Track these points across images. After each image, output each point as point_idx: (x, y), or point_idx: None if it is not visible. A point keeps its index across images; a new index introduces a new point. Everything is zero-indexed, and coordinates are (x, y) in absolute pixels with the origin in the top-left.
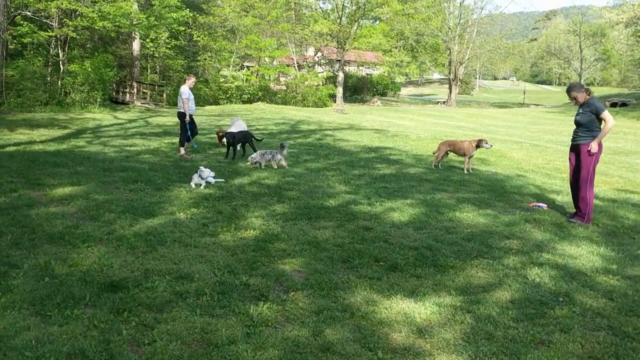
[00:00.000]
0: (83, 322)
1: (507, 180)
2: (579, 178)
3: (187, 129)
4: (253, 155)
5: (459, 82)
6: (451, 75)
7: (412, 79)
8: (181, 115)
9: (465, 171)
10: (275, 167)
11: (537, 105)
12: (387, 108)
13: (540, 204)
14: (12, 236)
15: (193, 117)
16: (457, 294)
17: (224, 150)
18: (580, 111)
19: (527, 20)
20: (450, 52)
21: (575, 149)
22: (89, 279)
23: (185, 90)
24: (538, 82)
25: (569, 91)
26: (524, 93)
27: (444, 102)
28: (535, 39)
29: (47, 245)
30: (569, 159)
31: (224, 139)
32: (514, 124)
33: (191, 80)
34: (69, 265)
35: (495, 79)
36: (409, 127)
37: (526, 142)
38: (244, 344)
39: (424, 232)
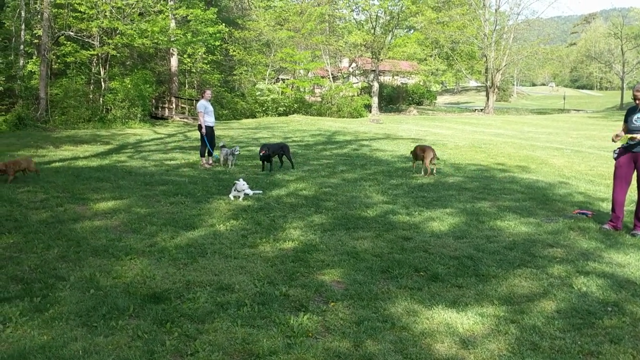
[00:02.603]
0: (127, 332)
1: (549, 187)
2: None
3: (206, 141)
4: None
5: (496, 89)
6: (488, 82)
7: (448, 87)
8: (200, 128)
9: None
10: (230, 165)
11: (578, 110)
12: (424, 117)
13: (585, 212)
14: (59, 249)
15: (213, 128)
16: (500, 304)
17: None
18: None
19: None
20: (486, 59)
21: (635, 156)
22: (132, 291)
23: (200, 104)
24: (578, 87)
25: (637, 90)
26: (564, 98)
27: (481, 110)
28: (575, 43)
29: (91, 257)
30: (620, 165)
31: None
32: (555, 130)
33: (207, 94)
34: (113, 277)
35: (534, 85)
36: (446, 135)
37: (567, 148)
38: (285, 354)
39: (465, 241)
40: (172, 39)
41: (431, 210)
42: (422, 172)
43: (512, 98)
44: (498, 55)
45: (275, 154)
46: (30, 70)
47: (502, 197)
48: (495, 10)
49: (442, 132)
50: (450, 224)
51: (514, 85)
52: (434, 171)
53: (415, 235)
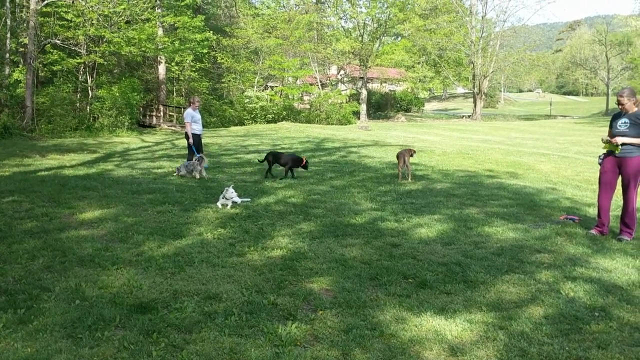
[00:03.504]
0: (113, 344)
1: (537, 193)
2: (627, 192)
3: (194, 149)
4: (179, 167)
5: (483, 96)
6: (475, 89)
7: (435, 94)
8: (187, 136)
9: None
10: (198, 177)
11: (565, 116)
12: (412, 124)
13: (572, 217)
14: (44, 260)
15: (200, 137)
16: (489, 310)
17: (248, 169)
18: (626, 121)
19: (551, 32)
20: (473, 66)
21: (620, 161)
22: (118, 301)
23: (187, 113)
24: (564, 93)
25: (621, 95)
26: (551, 104)
27: (469, 116)
28: (560, 50)
29: (77, 268)
30: (605, 171)
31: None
32: (541, 136)
33: (196, 102)
34: (99, 288)
35: (521, 91)
36: (434, 142)
37: (554, 154)
38: None
39: (453, 247)
40: (159, 47)
41: (419, 216)
42: (408, 178)
43: (500, 104)
44: (485, 62)
45: (286, 164)
46: (16, 79)
47: (490, 203)
48: (482, 18)
49: (430, 139)
50: (439, 231)
51: (501, 91)
52: (406, 175)
53: (403, 242)
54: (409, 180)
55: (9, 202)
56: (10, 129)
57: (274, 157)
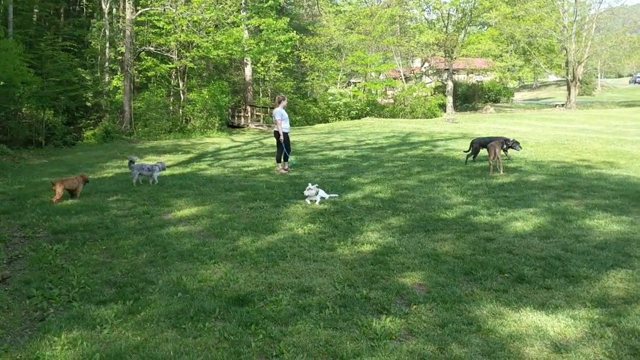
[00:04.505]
0: (214, 334)
1: None
2: None
3: (283, 147)
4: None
5: (578, 83)
6: (569, 76)
7: (526, 83)
8: (276, 135)
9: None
10: (152, 183)
11: None
12: (501, 114)
13: None
14: (147, 254)
15: (288, 135)
16: (594, 306)
17: (334, 166)
18: None
19: None
20: (566, 52)
21: None
22: (217, 294)
23: (277, 111)
24: None
25: None
26: None
27: (562, 105)
28: None
29: (178, 262)
30: None
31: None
32: None
33: (284, 102)
34: (199, 281)
35: (620, 76)
36: (526, 132)
37: None
38: (369, 357)
39: (551, 241)
40: (245, 49)
41: (514, 210)
42: (500, 171)
43: (596, 91)
44: (579, 47)
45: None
46: (115, 86)
47: (589, 194)
48: (575, 0)
49: (522, 130)
50: (535, 224)
51: (597, 77)
52: (497, 168)
53: (498, 236)
54: (501, 172)
55: (113, 201)
56: (111, 133)
57: (479, 144)
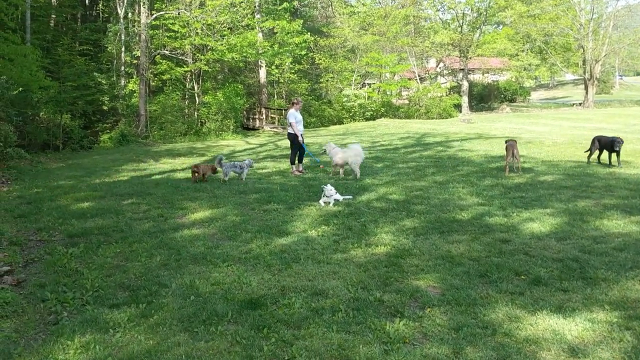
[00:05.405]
0: (227, 338)
1: None
2: None
3: (297, 149)
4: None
5: (595, 82)
6: (586, 74)
7: (542, 82)
8: (290, 137)
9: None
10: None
11: None
12: (517, 114)
13: None
14: (161, 257)
15: (303, 137)
16: (612, 309)
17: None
18: None
19: None
20: (583, 51)
21: None
22: (230, 297)
23: (290, 113)
24: None
25: None
26: None
27: (580, 104)
28: None
29: (191, 265)
30: None
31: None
32: None
33: (299, 104)
34: (212, 284)
35: (638, 74)
36: (542, 132)
37: None
38: None
39: (568, 242)
40: (259, 52)
41: (530, 210)
42: (518, 170)
43: (614, 90)
44: (596, 46)
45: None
46: (131, 89)
47: (607, 195)
48: None
49: (538, 129)
50: (552, 225)
51: (615, 75)
52: (515, 168)
53: (514, 238)
54: (519, 172)
55: (128, 204)
56: (127, 136)
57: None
